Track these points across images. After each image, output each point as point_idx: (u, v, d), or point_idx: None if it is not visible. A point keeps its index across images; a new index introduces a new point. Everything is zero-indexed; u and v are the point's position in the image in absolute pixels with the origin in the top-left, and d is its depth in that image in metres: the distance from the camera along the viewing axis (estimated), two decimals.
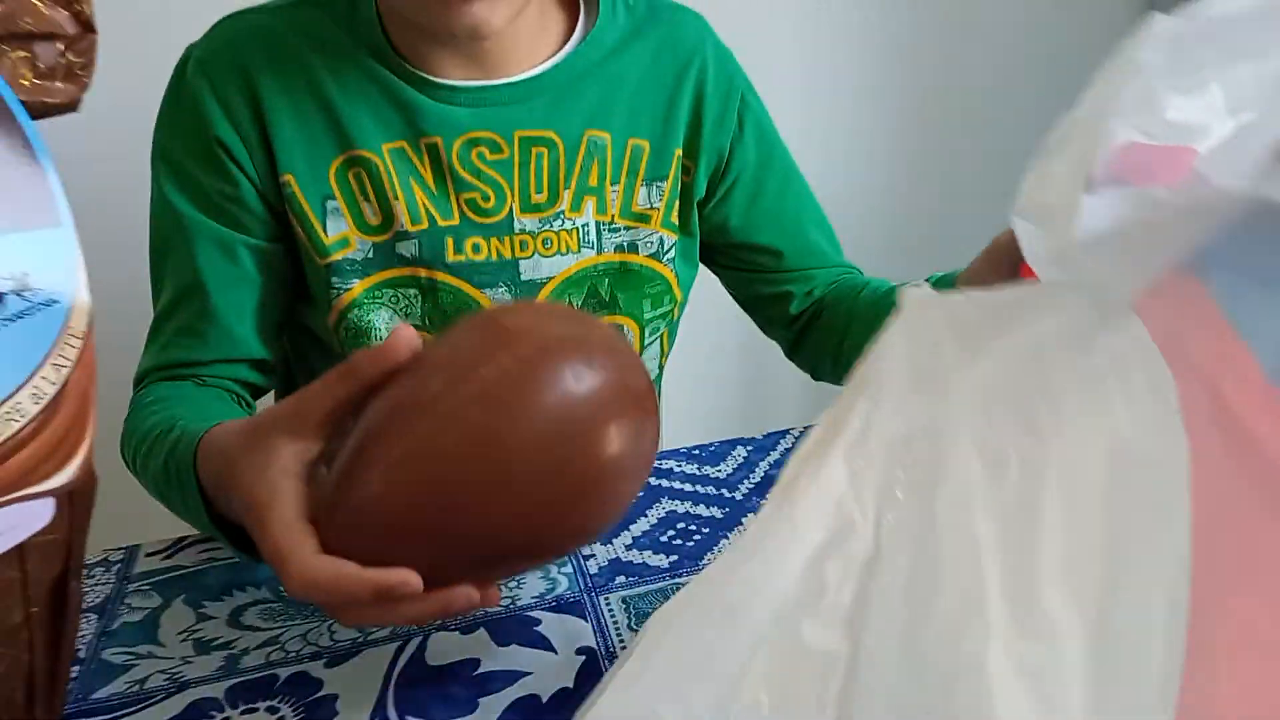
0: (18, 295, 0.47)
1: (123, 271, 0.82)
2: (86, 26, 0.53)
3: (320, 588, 0.46)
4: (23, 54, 0.52)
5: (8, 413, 0.46)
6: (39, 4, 0.51)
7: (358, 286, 0.76)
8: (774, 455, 0.78)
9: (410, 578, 0.45)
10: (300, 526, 0.48)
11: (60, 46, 0.53)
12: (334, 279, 0.75)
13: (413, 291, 0.76)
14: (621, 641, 0.56)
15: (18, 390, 0.46)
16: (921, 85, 1.55)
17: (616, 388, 0.47)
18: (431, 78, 0.74)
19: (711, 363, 1.58)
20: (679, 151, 0.80)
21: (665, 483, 0.73)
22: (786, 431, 0.82)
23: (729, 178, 0.83)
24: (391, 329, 0.76)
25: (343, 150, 0.74)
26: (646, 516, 0.69)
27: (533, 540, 0.48)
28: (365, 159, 0.74)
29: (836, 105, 1.53)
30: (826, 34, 1.50)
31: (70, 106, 0.54)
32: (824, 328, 0.86)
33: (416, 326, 0.77)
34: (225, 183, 0.73)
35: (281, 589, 0.63)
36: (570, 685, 0.54)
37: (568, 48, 0.77)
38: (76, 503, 0.50)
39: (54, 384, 0.47)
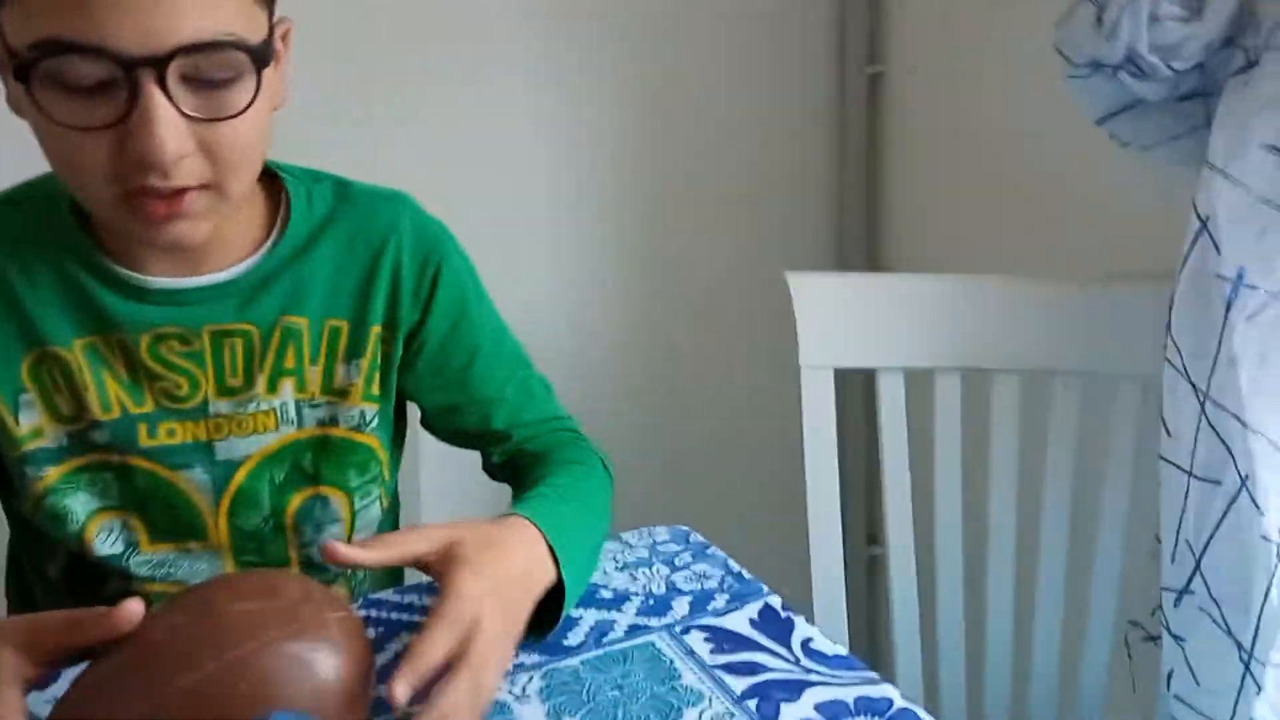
0: None
1: None
2: None
3: None
4: None
5: None
6: None
7: (52, 473, 0.80)
8: None
9: None
10: None
11: None
12: (28, 467, 0.79)
13: (108, 475, 0.81)
14: None
15: None
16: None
17: (306, 686, 0.58)
18: (125, 274, 0.78)
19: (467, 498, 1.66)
20: (377, 328, 0.85)
21: (406, 617, 0.82)
22: None
23: (415, 345, 0.88)
24: (91, 518, 0.81)
25: (34, 347, 0.78)
26: (385, 650, 0.77)
27: None
28: (56, 354, 0.78)
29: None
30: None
31: None
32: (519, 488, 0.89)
33: (113, 506, 0.81)
34: None
35: None
36: None
37: (262, 250, 0.82)
38: None
39: None
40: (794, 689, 0.72)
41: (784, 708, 0.70)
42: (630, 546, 0.94)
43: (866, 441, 1.72)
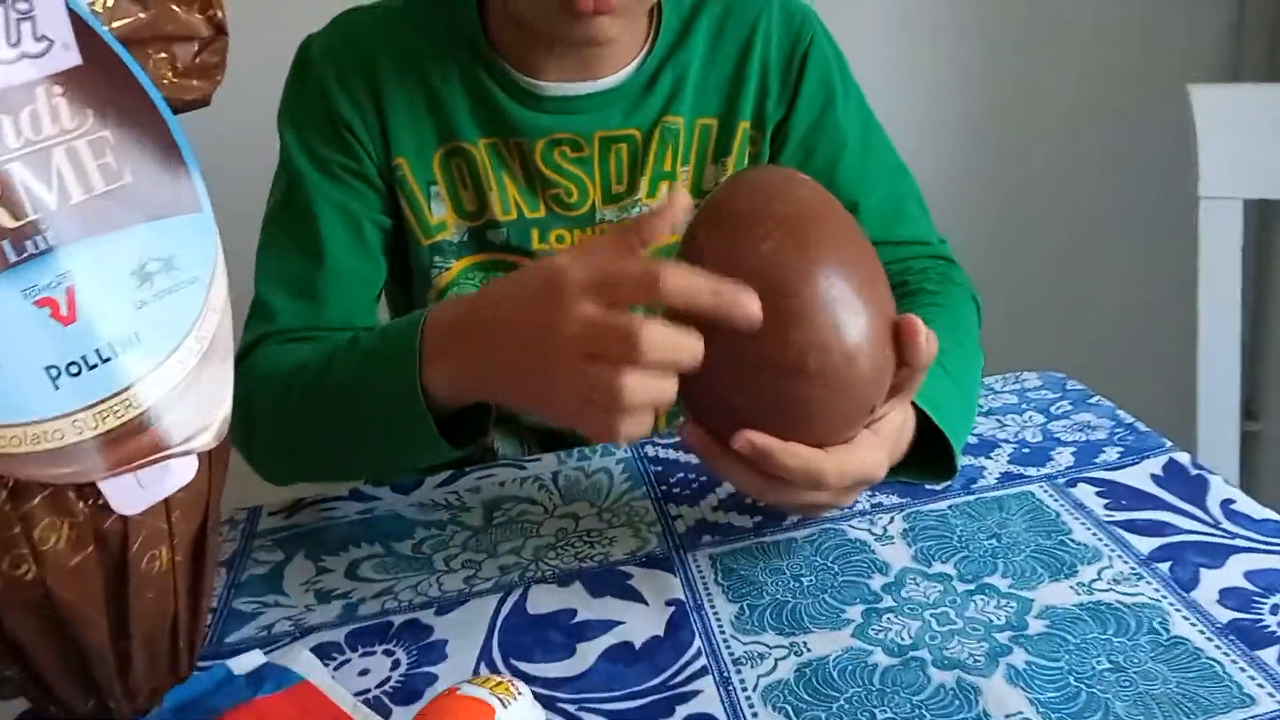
0: (166, 274, 0.52)
1: (246, 251, 0.89)
2: (219, 29, 0.58)
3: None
4: (163, 55, 0.57)
5: (158, 380, 0.51)
6: (178, 9, 0.56)
7: (455, 266, 0.82)
8: None
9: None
10: None
11: (196, 48, 0.58)
12: (435, 258, 0.81)
13: (502, 275, 0.81)
14: (709, 594, 0.60)
15: (167, 359, 0.51)
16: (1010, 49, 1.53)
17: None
18: (521, 79, 0.78)
19: None
20: (745, 124, 0.82)
21: None
22: None
23: (780, 140, 0.84)
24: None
25: (445, 140, 0.80)
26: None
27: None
28: (465, 150, 0.80)
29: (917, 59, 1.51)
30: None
31: (203, 102, 0.60)
32: None
33: None
34: (349, 157, 0.79)
35: (393, 546, 0.68)
36: (661, 633, 0.57)
37: (643, 51, 0.81)
38: (215, 461, 0.55)
39: (197, 354, 0.52)
40: (1216, 554, 0.60)
41: (1205, 574, 0.58)
42: (994, 392, 0.83)
43: (1255, 294, 1.49)
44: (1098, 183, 1.55)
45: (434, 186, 0.80)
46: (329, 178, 0.79)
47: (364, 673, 0.57)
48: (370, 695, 0.56)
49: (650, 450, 0.78)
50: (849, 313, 0.54)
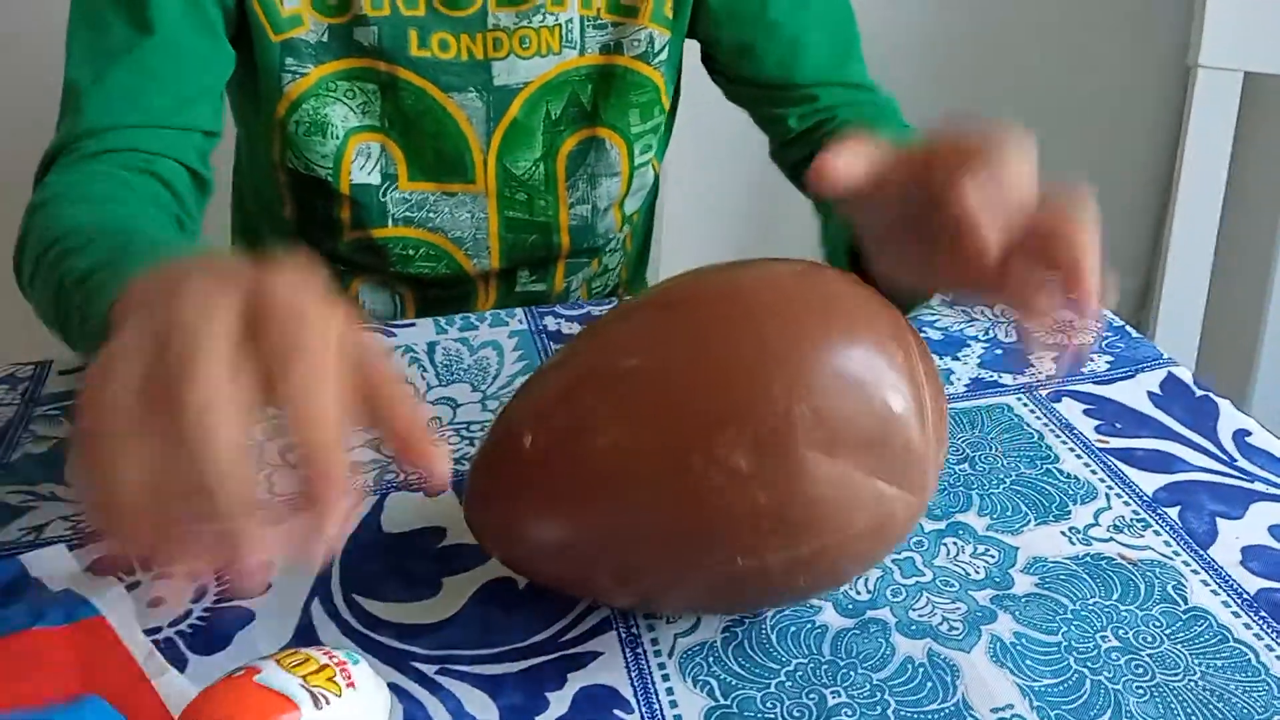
0: None
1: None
2: None
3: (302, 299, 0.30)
4: None
5: None
6: None
7: (312, 73, 0.65)
8: None
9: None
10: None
11: None
12: (289, 59, 0.64)
13: (371, 87, 0.67)
14: None
15: None
16: None
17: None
18: None
19: (722, 198, 1.44)
20: None
21: None
22: None
23: None
24: (349, 137, 0.65)
25: None
26: None
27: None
28: None
29: None
30: None
31: None
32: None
33: (374, 127, 0.68)
34: None
35: None
36: None
37: None
38: None
39: None
40: (1233, 500, 0.50)
41: (1222, 526, 0.48)
42: None
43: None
44: (1082, 49, 1.41)
45: None
46: None
47: (157, 602, 0.44)
48: (162, 636, 0.42)
49: (551, 323, 0.64)
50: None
